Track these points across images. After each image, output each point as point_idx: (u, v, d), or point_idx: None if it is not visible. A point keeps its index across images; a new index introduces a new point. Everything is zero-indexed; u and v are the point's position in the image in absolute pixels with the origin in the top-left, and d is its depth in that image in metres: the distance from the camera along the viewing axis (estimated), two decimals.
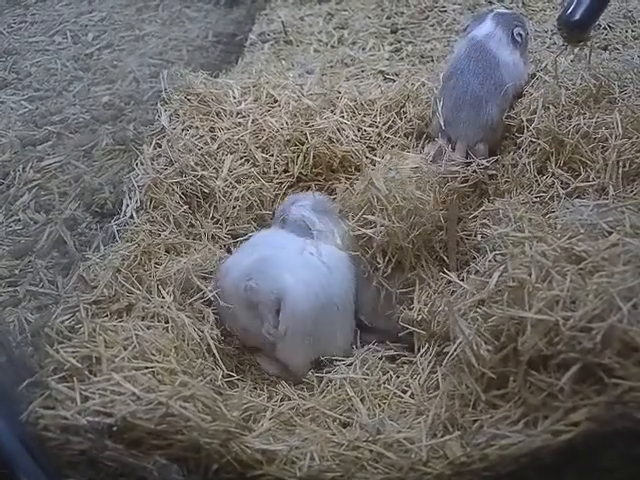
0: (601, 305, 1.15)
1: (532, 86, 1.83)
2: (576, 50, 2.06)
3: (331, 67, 2.33)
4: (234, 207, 1.81)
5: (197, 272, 1.62)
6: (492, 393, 1.25)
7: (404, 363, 1.58)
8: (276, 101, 2.00)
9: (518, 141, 1.76)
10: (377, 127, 1.95)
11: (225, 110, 1.97)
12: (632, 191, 1.52)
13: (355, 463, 1.24)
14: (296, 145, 1.91)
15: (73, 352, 1.32)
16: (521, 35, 1.85)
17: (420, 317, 1.56)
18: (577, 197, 1.57)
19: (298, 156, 1.90)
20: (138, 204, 1.76)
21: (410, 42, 2.44)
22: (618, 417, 1.10)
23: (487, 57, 1.77)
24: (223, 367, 1.51)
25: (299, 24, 2.71)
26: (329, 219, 1.73)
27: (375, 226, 1.57)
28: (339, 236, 1.70)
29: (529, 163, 1.70)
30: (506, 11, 2.00)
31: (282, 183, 1.90)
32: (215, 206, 1.81)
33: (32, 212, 1.69)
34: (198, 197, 1.81)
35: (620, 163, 1.57)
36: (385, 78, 2.21)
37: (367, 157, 1.90)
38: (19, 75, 2.06)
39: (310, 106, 1.94)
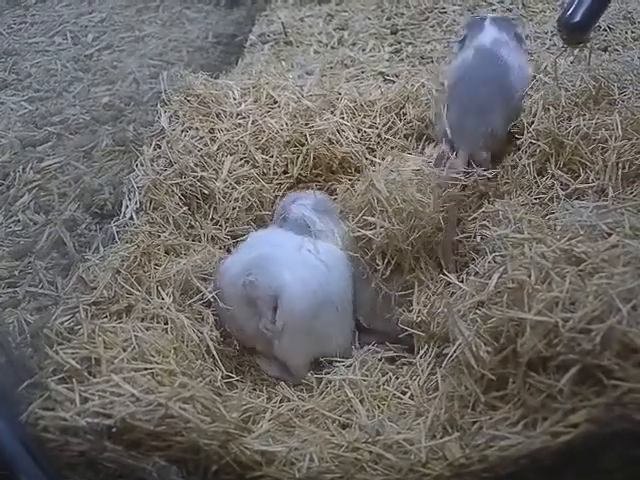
0: (600, 306, 1.15)
1: (532, 87, 1.83)
2: (576, 51, 2.07)
3: (331, 68, 2.33)
4: (234, 208, 1.81)
5: (197, 273, 1.62)
6: (491, 394, 1.25)
7: (403, 364, 1.58)
8: (276, 102, 2.00)
9: (518, 142, 1.76)
10: (377, 128, 1.96)
11: (225, 111, 1.97)
12: (632, 192, 1.52)
13: (354, 464, 1.24)
14: (296, 146, 1.91)
15: (72, 353, 1.32)
16: (521, 34, 1.86)
17: (419, 319, 1.55)
18: (577, 198, 1.57)
19: (298, 157, 1.91)
20: (138, 205, 1.76)
21: (410, 43, 2.45)
22: (617, 418, 1.09)
23: (497, 64, 1.77)
24: (222, 368, 1.51)
25: (299, 25, 2.72)
26: (330, 219, 1.74)
27: (375, 228, 1.57)
28: (339, 236, 1.70)
29: (529, 164, 1.70)
30: (498, 15, 2.01)
31: (282, 184, 1.91)
32: (215, 207, 1.81)
33: (32, 213, 1.69)
34: (198, 198, 1.81)
35: (620, 164, 1.57)
36: (385, 79, 2.22)
37: (367, 158, 1.90)
38: (19, 76, 2.06)
39: (310, 107, 1.95)
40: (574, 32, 2.16)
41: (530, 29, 2.30)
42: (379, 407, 1.45)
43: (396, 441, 1.28)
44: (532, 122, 1.73)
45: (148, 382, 1.26)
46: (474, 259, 1.59)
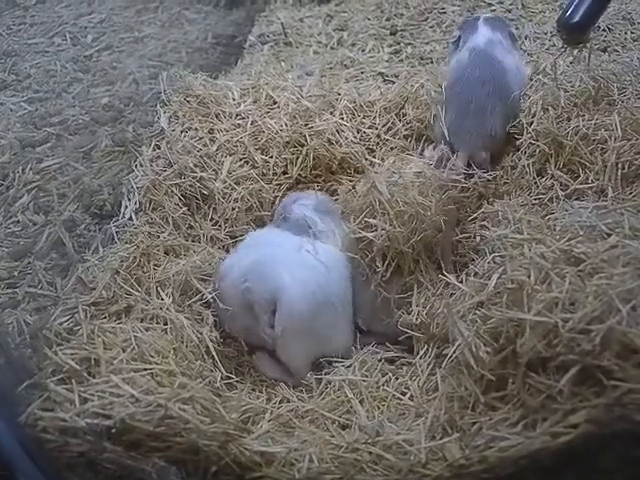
0: (600, 307, 1.15)
1: (531, 88, 1.83)
2: (575, 52, 2.07)
3: (330, 69, 2.33)
4: (233, 209, 1.81)
5: (196, 274, 1.61)
6: (491, 395, 1.25)
7: (403, 365, 1.58)
8: (275, 103, 2.00)
9: (517, 143, 1.76)
10: (376, 129, 1.96)
11: (224, 112, 1.97)
12: (631, 193, 1.52)
13: (354, 465, 1.24)
14: (295, 147, 1.91)
15: (72, 354, 1.31)
16: (514, 34, 1.86)
17: (419, 320, 1.55)
18: (576, 199, 1.57)
19: (297, 158, 1.91)
20: (137, 206, 1.76)
21: (409, 44, 2.45)
22: (617, 419, 1.09)
23: (493, 65, 1.77)
24: (222, 369, 1.50)
25: (298, 26, 2.72)
26: (331, 220, 1.73)
27: (376, 230, 1.57)
28: (340, 237, 1.70)
29: (528, 165, 1.70)
30: (491, 15, 2.01)
31: (281, 185, 1.91)
32: (214, 208, 1.81)
33: (31, 213, 1.69)
34: (197, 199, 1.81)
35: (619, 165, 1.57)
36: (384, 80, 2.21)
37: (366, 159, 1.90)
38: (18, 77, 2.06)
39: (309, 108, 1.95)
40: (573, 32, 2.16)
41: (529, 30, 2.30)
42: (379, 408, 1.44)
43: (396, 442, 1.28)
44: (531, 122, 1.73)
45: (147, 383, 1.26)
46: (473, 260, 1.59)
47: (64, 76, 2.06)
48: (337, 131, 1.92)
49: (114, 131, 1.92)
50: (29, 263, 1.59)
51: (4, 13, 2.30)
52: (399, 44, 2.46)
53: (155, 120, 1.97)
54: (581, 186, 1.60)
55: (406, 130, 1.95)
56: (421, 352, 1.54)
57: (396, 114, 1.98)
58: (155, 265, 1.63)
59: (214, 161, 1.86)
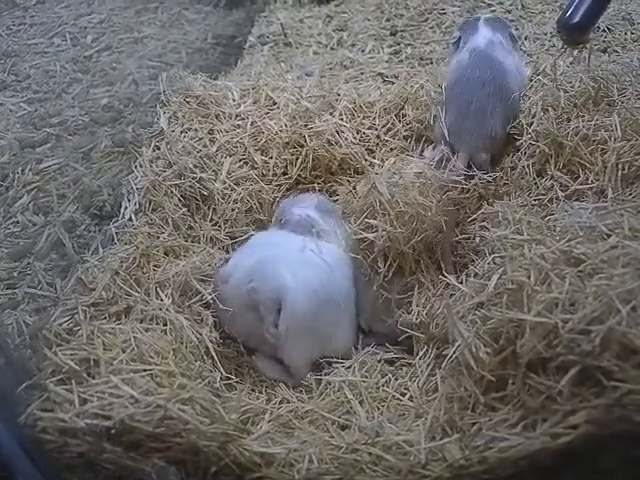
0: (600, 308, 1.15)
1: (531, 89, 1.83)
2: (575, 52, 2.07)
3: (330, 69, 2.33)
4: (233, 209, 1.81)
5: (196, 275, 1.61)
6: (491, 396, 1.25)
7: (403, 366, 1.58)
8: (275, 103, 2.00)
9: (517, 144, 1.76)
10: (376, 129, 1.96)
11: (224, 112, 1.97)
12: (631, 194, 1.52)
13: (354, 466, 1.24)
14: (295, 147, 1.91)
15: (71, 354, 1.31)
16: (514, 35, 1.86)
17: (419, 320, 1.55)
18: (576, 200, 1.57)
19: (297, 158, 1.91)
20: (137, 206, 1.76)
21: (409, 44, 2.45)
22: (617, 420, 1.09)
23: (494, 66, 1.77)
24: (222, 370, 1.51)
25: (298, 26, 2.72)
26: (332, 219, 1.74)
27: (377, 230, 1.57)
28: (342, 237, 1.70)
29: (528, 166, 1.70)
30: (492, 16, 2.01)
31: (281, 185, 1.91)
32: (214, 208, 1.81)
33: (31, 214, 1.69)
34: (197, 199, 1.81)
35: (619, 166, 1.56)
36: (384, 80, 2.21)
37: (366, 160, 1.90)
38: (18, 77, 2.06)
39: (309, 108, 1.95)
40: (573, 33, 2.16)
41: (529, 30, 2.30)
42: (378, 408, 1.44)
43: (395, 442, 1.27)
44: (531, 123, 1.73)
45: (147, 383, 1.26)
46: (473, 260, 1.59)
47: (64, 76, 2.06)
48: (337, 132, 1.91)
49: (114, 132, 1.92)
50: (29, 264, 1.59)
51: (4, 13, 2.30)
52: (399, 45, 2.46)
53: (155, 121, 1.96)
54: (581, 187, 1.60)
55: (406, 131, 1.95)
56: (421, 353, 1.54)
57: (396, 115, 1.98)
58: (155, 266, 1.62)
59: (214, 162, 1.86)
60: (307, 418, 1.44)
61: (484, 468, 1.16)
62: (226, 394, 1.43)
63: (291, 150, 1.91)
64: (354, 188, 1.77)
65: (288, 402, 1.50)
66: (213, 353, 1.51)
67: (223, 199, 1.81)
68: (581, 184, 1.60)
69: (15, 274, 1.57)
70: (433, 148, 1.83)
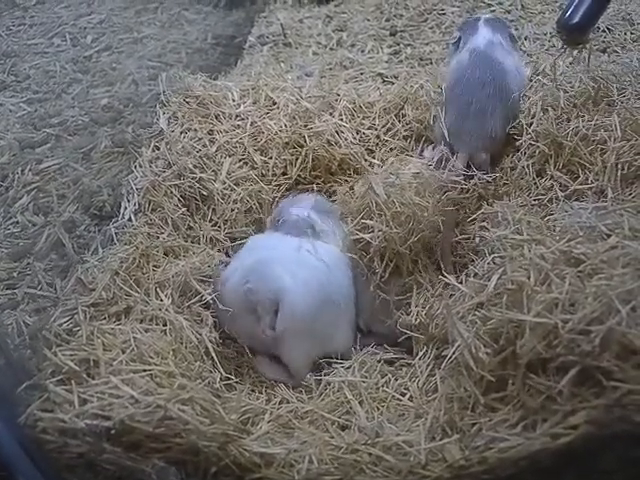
0: (600, 308, 1.15)
1: (531, 89, 1.83)
2: (575, 53, 2.07)
3: (330, 69, 2.33)
4: (232, 210, 1.81)
5: (195, 275, 1.61)
6: (491, 396, 1.25)
7: (402, 366, 1.58)
8: (275, 104, 2.00)
9: (517, 144, 1.76)
10: (376, 130, 1.96)
11: (224, 113, 1.97)
12: (631, 194, 1.52)
13: (354, 466, 1.24)
14: (295, 148, 1.91)
15: (71, 355, 1.31)
16: (514, 35, 1.86)
17: (418, 320, 1.55)
18: (576, 200, 1.57)
19: (297, 159, 1.91)
20: (136, 207, 1.76)
21: (409, 44, 2.45)
22: (617, 420, 1.09)
23: (494, 66, 1.77)
24: (221, 370, 1.50)
25: (298, 26, 2.72)
26: (331, 220, 1.74)
27: (373, 231, 1.57)
28: (340, 238, 1.70)
29: (528, 166, 1.70)
30: (491, 16, 2.01)
31: (281, 186, 1.91)
32: (214, 209, 1.81)
33: (31, 214, 1.69)
34: (196, 200, 1.81)
35: (619, 166, 1.57)
36: (384, 80, 2.21)
37: (366, 160, 1.90)
38: (18, 77, 2.06)
39: (309, 109, 1.95)
40: (573, 33, 2.16)
41: (529, 30, 2.30)
42: (378, 409, 1.44)
43: (395, 443, 1.28)
44: (531, 123, 1.73)
45: (147, 384, 1.26)
46: (473, 260, 1.59)
47: (63, 77, 2.06)
48: (336, 132, 1.92)
49: (113, 132, 1.92)
50: (28, 264, 1.59)
51: (4, 14, 2.30)
52: (399, 45, 2.46)
53: (154, 121, 1.96)
54: (581, 187, 1.60)
55: (405, 131, 1.95)
56: (420, 353, 1.54)
57: (395, 115, 1.98)
58: (154, 266, 1.62)
59: (213, 162, 1.86)
60: (307, 418, 1.44)
61: (484, 468, 1.16)
62: (226, 394, 1.43)
63: (291, 150, 1.91)
64: (351, 188, 1.77)
65: (288, 402, 1.50)
66: (213, 353, 1.51)
67: (223, 199, 1.81)
68: (581, 184, 1.60)
69: (15, 274, 1.57)
70: (433, 148, 1.83)
